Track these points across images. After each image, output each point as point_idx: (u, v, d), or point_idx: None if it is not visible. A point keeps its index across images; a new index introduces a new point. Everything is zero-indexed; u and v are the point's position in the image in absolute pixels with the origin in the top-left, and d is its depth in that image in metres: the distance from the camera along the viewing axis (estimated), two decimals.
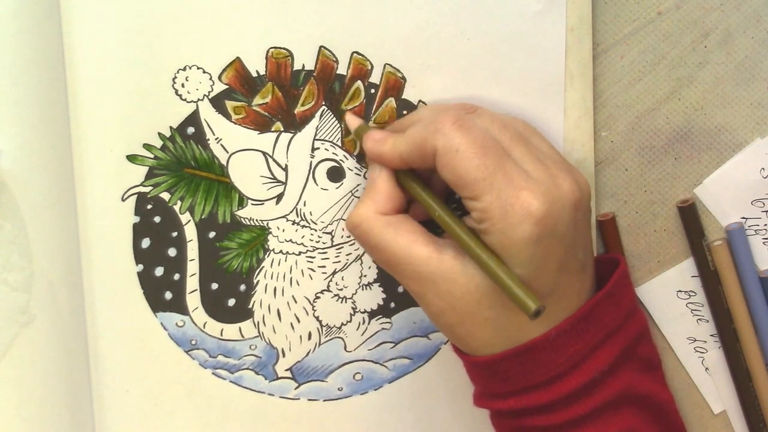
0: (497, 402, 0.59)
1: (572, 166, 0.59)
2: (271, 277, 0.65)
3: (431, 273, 0.56)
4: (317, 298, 0.66)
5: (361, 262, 0.65)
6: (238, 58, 0.61)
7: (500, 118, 0.58)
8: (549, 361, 0.56)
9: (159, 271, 0.64)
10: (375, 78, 0.62)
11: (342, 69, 0.62)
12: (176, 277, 0.64)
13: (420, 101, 0.62)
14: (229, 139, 0.63)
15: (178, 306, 0.65)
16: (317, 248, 0.65)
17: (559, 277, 0.55)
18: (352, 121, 0.62)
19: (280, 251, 0.65)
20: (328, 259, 0.65)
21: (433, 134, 0.55)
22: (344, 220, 0.64)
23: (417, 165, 0.57)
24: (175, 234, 0.64)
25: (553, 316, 0.56)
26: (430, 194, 0.58)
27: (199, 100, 0.62)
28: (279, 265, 0.65)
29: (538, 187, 0.54)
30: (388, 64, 0.61)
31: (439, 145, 0.54)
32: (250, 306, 0.65)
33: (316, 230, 0.64)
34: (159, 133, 0.62)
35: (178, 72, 0.61)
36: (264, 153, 0.63)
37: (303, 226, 0.64)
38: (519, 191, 0.53)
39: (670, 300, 0.66)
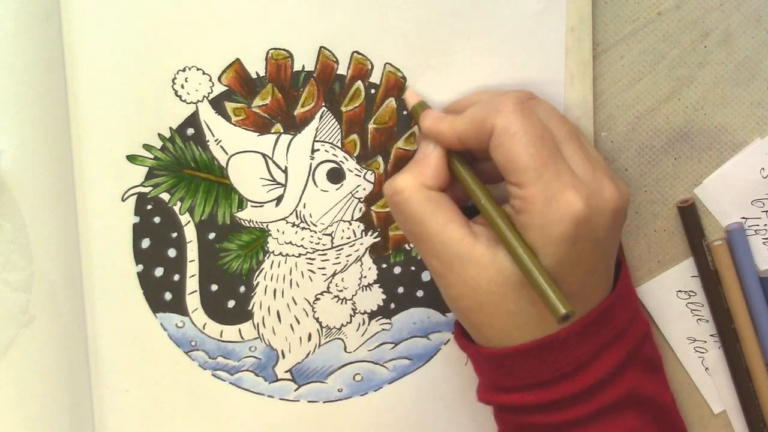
0: (501, 396, 0.58)
1: (615, 173, 0.59)
2: (271, 279, 0.65)
3: (461, 255, 0.55)
4: (317, 299, 0.65)
5: (361, 264, 0.65)
6: (237, 59, 0.61)
7: (557, 112, 0.58)
8: (557, 361, 0.56)
9: (159, 272, 0.64)
10: (375, 78, 0.62)
11: (342, 69, 0.62)
12: (176, 277, 0.64)
13: (421, 101, 0.62)
14: (229, 140, 0.63)
15: (178, 307, 0.65)
16: (317, 250, 0.65)
17: (587, 280, 0.55)
18: (412, 98, 0.61)
19: (280, 253, 0.65)
20: (327, 260, 0.65)
21: (493, 113, 0.54)
22: (345, 221, 0.64)
23: (472, 145, 0.56)
24: (174, 235, 0.64)
25: (576, 316, 0.56)
26: (476, 180, 0.58)
27: (198, 101, 0.62)
28: (279, 266, 0.65)
29: (583, 187, 0.53)
30: (389, 64, 0.61)
31: (498, 124, 0.54)
32: (250, 307, 0.65)
33: (316, 232, 0.64)
34: (159, 134, 0.62)
35: (177, 73, 0.61)
36: (264, 155, 0.63)
37: (303, 228, 0.64)
38: (565, 188, 0.53)
39: (670, 300, 0.66)
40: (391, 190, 0.58)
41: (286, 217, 0.64)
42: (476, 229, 0.56)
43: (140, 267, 0.64)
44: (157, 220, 0.63)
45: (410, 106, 0.62)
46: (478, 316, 0.56)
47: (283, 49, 0.61)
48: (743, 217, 0.64)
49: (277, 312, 0.65)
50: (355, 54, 0.61)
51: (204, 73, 0.62)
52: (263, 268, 0.65)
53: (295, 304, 0.65)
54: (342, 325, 0.66)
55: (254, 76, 0.62)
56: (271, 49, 0.61)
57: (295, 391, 0.67)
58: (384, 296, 0.66)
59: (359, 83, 0.62)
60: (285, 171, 0.63)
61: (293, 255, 0.65)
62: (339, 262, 0.65)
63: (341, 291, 0.65)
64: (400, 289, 0.66)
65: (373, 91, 0.62)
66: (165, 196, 0.63)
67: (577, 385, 0.56)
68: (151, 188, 0.63)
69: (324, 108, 0.63)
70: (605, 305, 0.57)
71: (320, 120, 0.63)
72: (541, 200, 0.53)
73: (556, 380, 0.56)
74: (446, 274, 0.56)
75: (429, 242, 0.56)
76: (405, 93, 0.62)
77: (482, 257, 0.55)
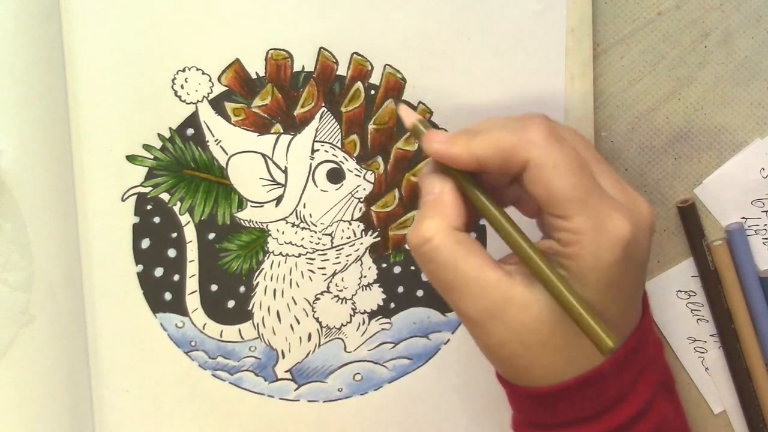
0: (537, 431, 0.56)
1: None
2: (271, 279, 0.65)
3: (500, 298, 0.52)
4: (317, 299, 0.66)
5: (361, 263, 0.65)
6: (237, 59, 0.61)
7: (579, 134, 0.55)
8: (600, 394, 0.54)
9: (159, 272, 0.64)
10: (375, 79, 0.62)
11: (342, 70, 0.62)
12: (176, 278, 0.64)
13: (420, 102, 0.62)
14: (229, 140, 0.63)
15: (178, 307, 0.65)
16: (317, 250, 0.65)
17: (626, 306, 0.53)
18: (409, 115, 0.55)
19: (280, 253, 0.65)
20: (327, 260, 0.65)
21: (525, 144, 0.51)
22: (344, 221, 0.64)
23: (491, 170, 0.52)
24: (174, 235, 0.64)
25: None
26: (501, 211, 0.53)
27: (198, 101, 0.62)
28: (278, 266, 0.65)
29: (624, 209, 0.51)
30: (388, 65, 0.61)
31: (534, 157, 0.50)
32: (250, 307, 0.65)
33: (316, 232, 0.64)
34: (158, 134, 0.62)
35: (177, 73, 0.61)
36: (263, 155, 0.63)
37: (303, 228, 0.64)
38: (611, 212, 0.50)
39: (670, 300, 0.66)
40: (418, 239, 0.52)
41: (286, 217, 0.64)
42: (509, 269, 0.53)
43: (140, 267, 0.64)
44: (157, 220, 0.63)
45: (409, 124, 0.55)
46: (524, 360, 0.53)
47: (283, 50, 0.61)
48: (743, 217, 0.64)
49: (277, 312, 0.65)
50: (354, 55, 0.61)
51: (204, 74, 0.62)
52: (263, 268, 0.65)
53: (295, 304, 0.65)
54: (342, 324, 0.66)
55: (254, 76, 0.62)
56: (271, 49, 0.61)
57: (295, 390, 0.67)
58: (384, 296, 0.66)
59: (359, 84, 0.62)
60: (285, 171, 0.63)
61: (293, 255, 0.65)
62: (339, 262, 0.65)
63: (341, 291, 0.65)
64: (400, 289, 0.66)
65: (372, 91, 0.62)
66: (165, 196, 0.63)
67: (620, 417, 0.54)
68: (151, 188, 0.63)
69: (324, 108, 0.63)
70: (641, 331, 0.55)
71: (320, 120, 0.63)
72: (590, 228, 0.50)
73: (598, 414, 0.54)
74: (485, 322, 0.52)
75: (465, 289, 0.52)
76: (399, 109, 0.56)
77: (522, 296, 0.52)
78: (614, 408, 0.54)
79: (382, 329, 0.66)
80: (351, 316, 0.66)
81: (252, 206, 0.64)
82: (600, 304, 0.51)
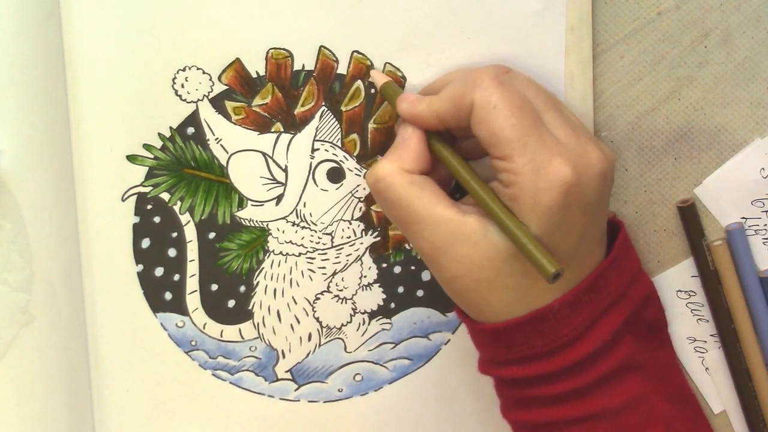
0: (500, 369, 0.58)
1: (598, 139, 0.58)
2: (271, 278, 0.65)
3: (451, 234, 0.55)
4: (317, 299, 0.66)
5: (361, 263, 0.65)
6: (237, 58, 0.61)
7: (534, 82, 0.58)
8: (552, 332, 0.56)
9: (159, 272, 0.64)
10: None
11: (342, 69, 0.62)
12: (176, 277, 0.64)
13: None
14: (229, 139, 0.63)
15: (178, 306, 0.65)
16: (317, 249, 0.65)
17: (580, 246, 0.55)
18: (380, 77, 0.61)
19: (280, 252, 0.65)
20: (328, 260, 0.65)
21: (471, 89, 0.54)
22: (344, 220, 0.64)
23: (453, 123, 0.56)
24: (175, 234, 0.64)
25: (572, 285, 0.56)
26: (459, 158, 0.57)
27: (198, 100, 0.62)
28: (279, 266, 0.65)
29: (569, 153, 0.53)
30: (389, 63, 0.61)
31: (477, 99, 0.54)
32: (250, 307, 0.65)
33: (316, 231, 0.64)
34: (159, 134, 0.62)
35: (177, 72, 0.61)
36: (264, 154, 0.63)
37: (303, 227, 0.64)
38: (552, 156, 0.53)
39: (670, 300, 0.66)
40: (372, 178, 0.57)
41: (286, 217, 0.64)
42: (464, 208, 0.56)
43: (140, 267, 0.64)
44: (157, 219, 0.63)
45: (379, 84, 0.61)
46: (475, 296, 0.56)
47: (283, 49, 0.61)
48: (743, 217, 0.64)
49: (278, 311, 0.65)
50: (355, 53, 0.61)
51: (204, 73, 0.62)
52: (263, 268, 0.65)
53: (296, 303, 0.65)
54: (342, 324, 0.66)
55: (254, 75, 0.62)
56: (271, 48, 0.61)
57: (296, 390, 0.67)
58: (384, 296, 0.66)
59: (359, 83, 0.62)
60: (285, 170, 0.63)
61: (293, 254, 0.65)
62: (339, 262, 0.65)
63: (341, 290, 0.65)
64: (400, 289, 0.66)
65: (373, 90, 0.62)
66: (165, 196, 0.63)
67: (574, 356, 0.56)
68: (151, 188, 0.63)
69: (324, 107, 0.63)
70: (598, 272, 0.56)
71: (320, 119, 0.63)
72: (529, 170, 0.53)
73: (552, 352, 0.56)
74: (438, 257, 0.56)
75: (417, 226, 0.56)
76: (371, 73, 0.62)
77: (473, 234, 0.55)
78: (571, 346, 0.56)
79: (383, 329, 0.66)
80: (351, 316, 0.66)
81: (252, 205, 0.64)
82: (550, 244, 0.53)
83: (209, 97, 0.62)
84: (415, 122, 0.58)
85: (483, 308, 0.57)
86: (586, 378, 0.56)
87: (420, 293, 0.66)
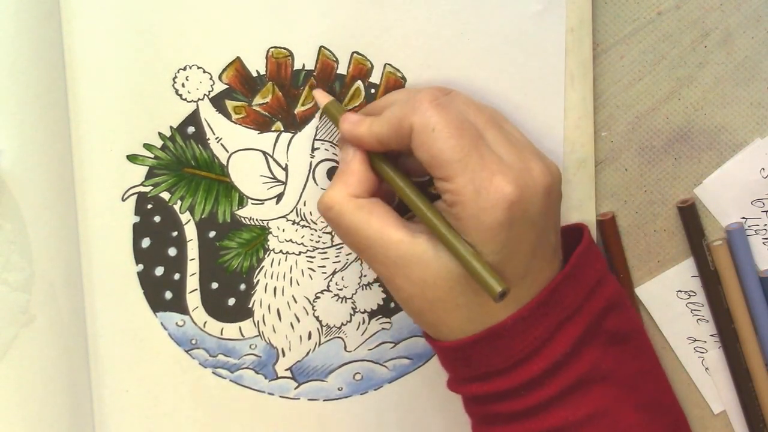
0: (463, 387, 0.59)
1: (542, 153, 0.58)
2: (271, 277, 0.65)
3: (403, 257, 0.56)
4: (317, 297, 0.66)
5: (361, 262, 0.65)
6: (238, 57, 0.61)
7: (475, 102, 0.58)
8: (509, 347, 0.56)
9: (159, 271, 0.64)
10: (375, 78, 0.62)
11: (342, 69, 0.62)
12: (176, 276, 0.64)
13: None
14: (229, 138, 0.63)
15: (178, 305, 0.65)
16: (317, 248, 0.65)
17: (531, 262, 0.55)
18: (322, 97, 0.61)
19: (280, 251, 0.65)
20: (328, 258, 0.65)
21: (410, 112, 0.55)
22: None
23: (394, 146, 0.57)
24: (175, 234, 0.64)
25: (526, 301, 0.56)
26: (402, 178, 0.58)
27: (199, 99, 0.62)
28: (279, 264, 0.65)
29: (510, 171, 0.54)
30: (389, 64, 0.61)
31: (416, 122, 0.54)
32: (250, 305, 0.65)
33: (316, 230, 0.64)
34: (159, 133, 0.62)
35: (178, 72, 0.61)
36: (264, 153, 0.63)
37: (303, 226, 0.64)
38: (493, 175, 0.53)
39: (670, 300, 0.66)
40: (322, 207, 0.58)
41: (287, 215, 0.64)
42: (414, 228, 0.56)
43: (140, 266, 0.64)
44: (157, 219, 0.63)
45: (321, 105, 0.61)
46: (431, 315, 0.57)
47: (284, 48, 0.61)
48: (743, 217, 0.64)
49: (278, 310, 0.66)
50: (355, 54, 0.61)
51: (204, 72, 0.62)
52: (263, 266, 0.65)
53: (296, 302, 0.66)
54: (342, 323, 0.66)
55: (255, 74, 0.62)
56: (272, 47, 0.61)
57: (296, 389, 0.67)
58: (384, 295, 0.66)
59: (359, 83, 0.62)
60: (285, 169, 0.63)
61: (293, 253, 0.65)
62: (339, 261, 0.65)
63: (341, 290, 0.66)
64: None
65: (372, 90, 0.62)
66: (165, 195, 0.63)
67: (532, 370, 0.56)
68: (151, 187, 0.63)
69: None
70: (552, 286, 0.56)
71: (320, 119, 0.63)
72: (471, 190, 0.53)
73: (511, 367, 0.56)
74: (393, 278, 0.57)
75: (371, 250, 0.57)
76: (314, 92, 0.62)
77: (424, 254, 0.55)
78: (528, 360, 0.56)
79: (382, 329, 0.66)
80: (351, 315, 0.66)
81: (252, 203, 0.64)
82: (499, 263, 0.54)
83: (210, 97, 0.62)
84: (357, 144, 0.58)
85: (440, 327, 0.57)
86: (548, 392, 0.57)
87: None
